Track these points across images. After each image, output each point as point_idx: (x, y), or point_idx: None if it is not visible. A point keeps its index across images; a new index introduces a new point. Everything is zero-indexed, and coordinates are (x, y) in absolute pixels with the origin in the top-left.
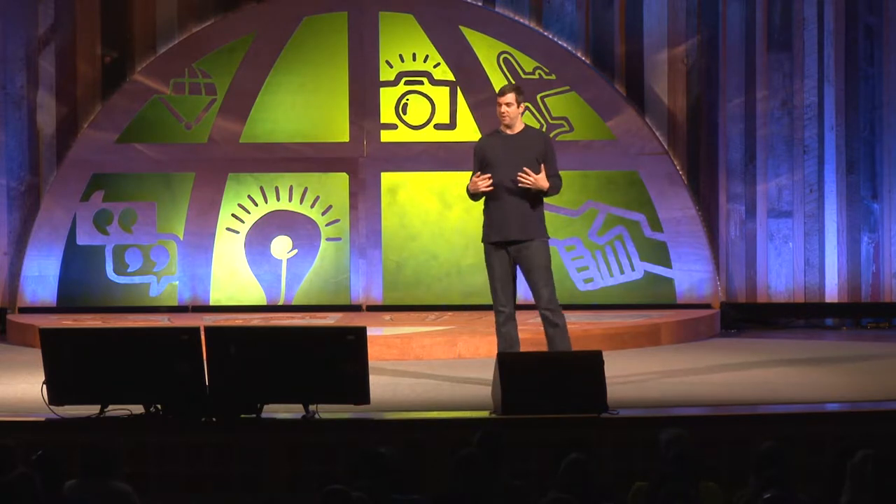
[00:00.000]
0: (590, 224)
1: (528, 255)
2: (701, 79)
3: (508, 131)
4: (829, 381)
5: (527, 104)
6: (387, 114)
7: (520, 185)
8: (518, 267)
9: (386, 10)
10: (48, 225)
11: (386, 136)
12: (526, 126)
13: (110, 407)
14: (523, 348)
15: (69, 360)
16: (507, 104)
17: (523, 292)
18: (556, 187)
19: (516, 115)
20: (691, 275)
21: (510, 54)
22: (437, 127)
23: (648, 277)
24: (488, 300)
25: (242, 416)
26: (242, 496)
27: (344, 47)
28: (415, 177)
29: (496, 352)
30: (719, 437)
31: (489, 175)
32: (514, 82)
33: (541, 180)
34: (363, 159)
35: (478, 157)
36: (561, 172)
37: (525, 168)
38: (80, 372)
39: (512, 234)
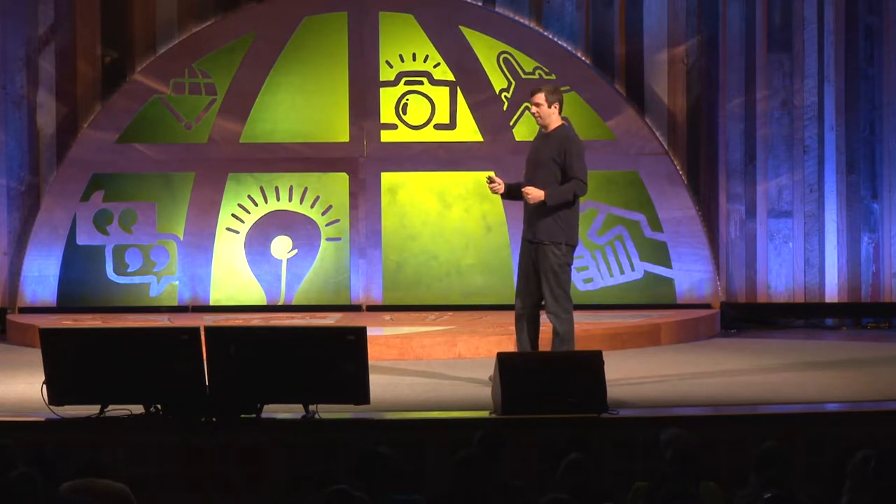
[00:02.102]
0: (590, 224)
1: (537, 258)
2: (701, 79)
3: (544, 131)
4: (829, 381)
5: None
6: (387, 114)
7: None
8: None
9: (386, 10)
10: (48, 225)
11: (386, 136)
12: (560, 125)
13: (110, 407)
14: (541, 348)
15: (69, 360)
16: (537, 104)
17: None
18: (567, 191)
19: (548, 115)
20: (691, 275)
21: (510, 54)
22: (437, 127)
23: (648, 277)
24: (488, 300)
25: (242, 416)
26: (242, 496)
27: (344, 47)
28: (415, 177)
29: (496, 351)
30: (719, 437)
31: (499, 181)
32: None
33: (533, 192)
34: (363, 159)
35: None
36: None
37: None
38: (80, 372)
39: (526, 234)
